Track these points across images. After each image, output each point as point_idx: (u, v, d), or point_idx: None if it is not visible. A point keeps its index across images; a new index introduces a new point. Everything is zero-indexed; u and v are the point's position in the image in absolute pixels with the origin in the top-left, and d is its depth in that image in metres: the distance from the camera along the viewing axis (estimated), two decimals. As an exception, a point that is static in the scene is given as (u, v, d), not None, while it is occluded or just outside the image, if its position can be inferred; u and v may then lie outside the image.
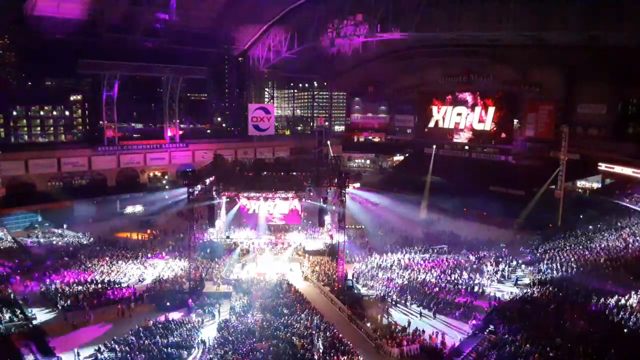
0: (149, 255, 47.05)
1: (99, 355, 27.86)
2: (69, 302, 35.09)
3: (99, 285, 38.01)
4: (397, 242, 51.32)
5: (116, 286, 38.15)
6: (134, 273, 41.68)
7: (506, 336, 27.92)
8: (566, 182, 54.97)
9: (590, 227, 48.86)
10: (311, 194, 48.49)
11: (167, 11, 70.54)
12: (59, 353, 27.61)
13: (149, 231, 55.81)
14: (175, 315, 34.08)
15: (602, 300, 30.42)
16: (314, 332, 30.79)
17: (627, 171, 55.92)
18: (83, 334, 31.16)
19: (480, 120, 74.26)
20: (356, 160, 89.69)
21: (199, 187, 42.43)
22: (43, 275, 39.82)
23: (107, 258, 44.98)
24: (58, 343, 28.81)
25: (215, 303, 36.33)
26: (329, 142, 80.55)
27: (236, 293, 38.31)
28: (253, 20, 78.83)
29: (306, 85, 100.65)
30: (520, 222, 55.60)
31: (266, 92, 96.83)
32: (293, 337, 29.98)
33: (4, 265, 40.84)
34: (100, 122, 69.91)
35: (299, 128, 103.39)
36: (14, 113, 75.71)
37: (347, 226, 42.31)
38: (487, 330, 30.00)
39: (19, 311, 32.26)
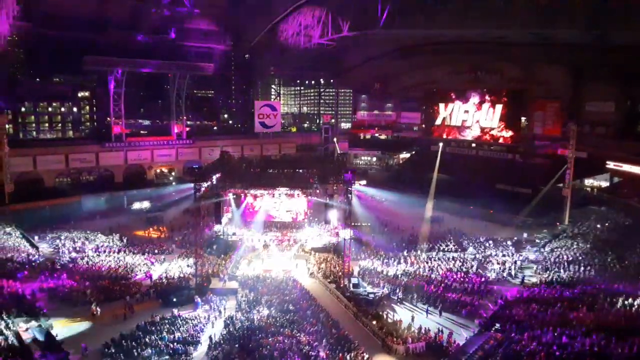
0: (156, 251, 47.33)
1: (105, 350, 28.06)
2: (76, 296, 35.38)
3: (106, 281, 38.25)
4: (403, 239, 51.25)
5: (123, 281, 38.44)
6: (141, 269, 41.91)
7: (512, 334, 27.84)
8: (574, 181, 54.65)
9: (598, 225, 48.60)
10: (317, 191, 48.48)
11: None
12: (66, 348, 27.81)
13: (155, 228, 55.91)
14: (181, 311, 34.25)
15: (609, 298, 30.29)
16: (319, 329, 30.87)
17: (636, 169, 55.54)
18: (90, 329, 31.40)
19: (487, 118, 73.94)
20: (362, 158, 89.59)
21: (205, 183, 42.59)
22: (51, 270, 40.15)
23: (115, 253, 45.33)
24: (65, 338, 29.03)
25: (222, 299, 36.51)
26: (335, 139, 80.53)
27: (242, 289, 38.47)
28: (261, 15, 78.64)
29: (312, 82, 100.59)
30: (522, 219, 55.36)
31: (272, 89, 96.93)
32: (299, 334, 30.08)
33: (13, 261, 41.14)
34: (108, 118, 70.31)
35: (306, 125, 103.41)
36: (22, 109, 76.24)
37: (353, 223, 42.30)
38: (493, 329, 29.95)
39: (26, 305, 32.48)
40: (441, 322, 32.90)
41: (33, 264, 41.79)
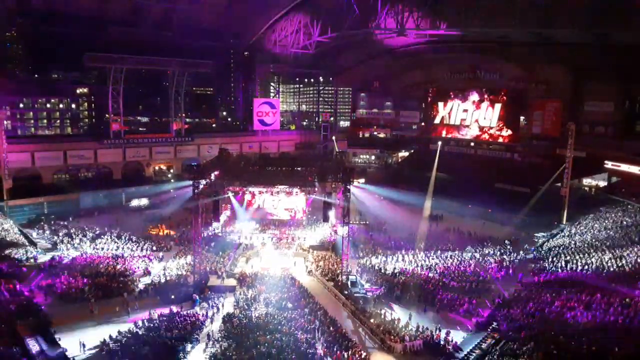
0: (155, 248, 47.30)
1: (103, 346, 28.08)
2: (74, 293, 35.37)
3: (104, 278, 38.23)
4: (401, 238, 51.29)
5: (122, 278, 38.43)
6: (140, 265, 41.90)
7: (510, 333, 27.92)
8: (572, 180, 54.75)
9: (596, 225, 48.70)
10: (316, 189, 48.50)
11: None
12: (64, 344, 27.82)
13: (154, 225, 55.81)
14: (179, 309, 34.26)
15: (606, 298, 30.33)
16: (317, 326, 30.89)
17: (634, 169, 55.65)
18: (88, 326, 31.39)
19: (486, 117, 73.98)
20: (361, 156, 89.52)
21: (204, 181, 42.56)
22: (49, 266, 40.15)
23: (113, 250, 45.31)
24: (63, 334, 29.03)
25: (220, 297, 36.53)
26: (334, 138, 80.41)
27: (240, 287, 38.49)
28: (260, 13, 78.48)
29: (312, 80, 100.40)
30: (520, 218, 55.42)
31: (272, 87, 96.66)
32: (296, 332, 30.11)
33: (11, 257, 41.10)
34: (107, 115, 70.16)
35: (304, 123, 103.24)
36: (21, 105, 76.10)
37: (351, 222, 42.34)
38: (490, 327, 30.03)
39: (24, 302, 32.44)
40: (438, 321, 32.93)
41: (31, 260, 41.81)
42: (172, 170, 75.11)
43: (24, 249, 43.70)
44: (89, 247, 46.17)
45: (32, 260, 41.82)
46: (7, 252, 41.89)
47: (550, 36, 56.13)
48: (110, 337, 28.92)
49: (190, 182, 41.75)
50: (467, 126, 76.62)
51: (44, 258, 42.55)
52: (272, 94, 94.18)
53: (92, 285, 36.44)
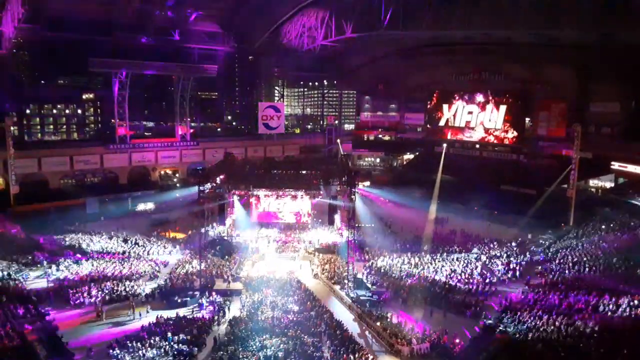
0: (161, 252, 47.39)
1: (110, 351, 28.13)
2: (81, 298, 35.49)
3: (111, 282, 38.33)
4: (407, 240, 51.17)
5: (128, 282, 38.52)
6: (147, 270, 42.00)
7: (517, 336, 27.78)
8: (578, 181, 54.46)
9: (603, 226, 48.40)
10: (321, 192, 48.52)
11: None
12: (71, 349, 27.89)
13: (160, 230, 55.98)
14: (186, 312, 34.32)
15: (615, 300, 30.14)
16: (323, 330, 30.87)
17: (641, 170, 55.35)
18: (95, 330, 31.49)
19: (492, 119, 73.79)
20: (366, 159, 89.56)
21: (209, 185, 42.67)
22: (55, 271, 40.30)
23: (120, 255, 45.43)
24: (70, 339, 29.10)
25: (226, 300, 36.54)
26: (338, 141, 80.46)
27: (246, 290, 38.49)
28: (264, 17, 78.73)
29: (316, 83, 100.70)
30: (526, 220, 55.15)
31: (276, 91, 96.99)
32: (303, 335, 30.08)
33: (18, 262, 41.32)
34: (112, 120, 70.52)
35: (309, 126, 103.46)
36: (27, 111, 76.59)
37: (356, 224, 42.27)
38: (498, 330, 29.86)
39: (32, 307, 32.64)
40: (445, 323, 32.79)
41: (38, 265, 41.99)
42: (177, 175, 75.39)
43: (31, 254, 43.79)
44: (95, 251, 46.19)
45: (39, 265, 41.97)
46: (14, 257, 42.15)
47: (555, 36, 55.91)
48: (117, 341, 28.97)
49: (196, 189, 41.86)
50: (472, 128, 76.45)
51: (51, 263, 42.66)
52: (276, 98, 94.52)
53: (98, 289, 36.52)
